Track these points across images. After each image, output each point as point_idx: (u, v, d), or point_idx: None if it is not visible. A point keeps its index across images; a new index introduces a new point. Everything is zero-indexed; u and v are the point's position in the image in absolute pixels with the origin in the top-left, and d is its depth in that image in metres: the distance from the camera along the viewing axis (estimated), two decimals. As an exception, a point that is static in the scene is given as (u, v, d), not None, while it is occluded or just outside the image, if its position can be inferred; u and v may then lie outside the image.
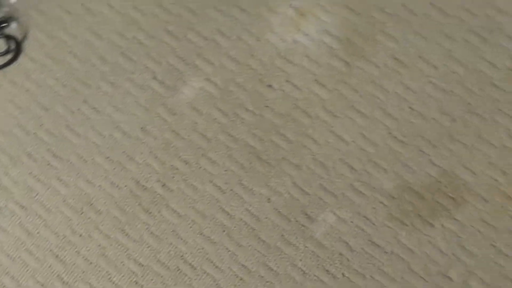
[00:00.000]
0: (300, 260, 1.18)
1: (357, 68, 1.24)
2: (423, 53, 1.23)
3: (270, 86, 1.26)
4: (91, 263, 1.23)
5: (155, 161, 1.26)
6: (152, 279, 1.21)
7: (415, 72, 1.23)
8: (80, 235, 1.25)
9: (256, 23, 1.29)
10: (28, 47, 1.35)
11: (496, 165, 1.18)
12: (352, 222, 1.19)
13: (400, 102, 1.22)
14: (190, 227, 1.22)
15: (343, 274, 1.17)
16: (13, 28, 1.35)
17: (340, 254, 1.17)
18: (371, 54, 1.25)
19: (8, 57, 1.33)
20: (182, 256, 1.21)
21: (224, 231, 1.21)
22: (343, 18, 1.26)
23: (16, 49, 1.34)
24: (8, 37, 1.33)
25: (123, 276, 1.22)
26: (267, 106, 1.25)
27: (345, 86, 1.24)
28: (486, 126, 1.19)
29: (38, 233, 1.26)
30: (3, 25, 1.35)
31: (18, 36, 1.35)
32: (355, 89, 1.23)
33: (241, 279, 1.19)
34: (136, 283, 1.21)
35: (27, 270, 1.24)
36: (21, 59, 1.34)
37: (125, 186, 1.26)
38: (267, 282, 1.18)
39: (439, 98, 1.21)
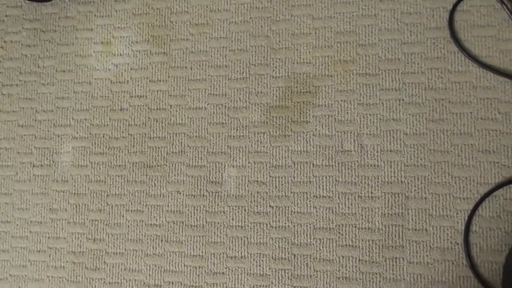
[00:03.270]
0: (233, 219, 0.75)
1: (173, 51, 0.83)
2: (210, 6, 0.84)
3: (121, 109, 0.83)
4: None
5: (76, 227, 0.79)
6: (134, 318, 0.81)
7: (215, 24, 0.80)
8: (58, 326, 0.83)
9: (80, 73, 0.85)
10: None
11: (319, 46, 0.78)
12: (248, 162, 0.77)
13: (220, 51, 0.81)
14: (135, 256, 0.76)
15: (270, 206, 0.75)
16: None
17: (258, 192, 0.75)
18: (175, 34, 0.84)
19: None
20: (144, 283, 0.75)
21: (161, 240, 0.75)
22: (137, 24, 0.86)
23: None
24: None
25: (110, 332, 0.82)
26: (129, 125, 0.80)
27: (174, 70, 0.82)
28: (291, 24, 0.79)
29: None
30: None
31: None
32: (183, 67, 0.82)
33: (199, 267, 0.74)
34: (125, 329, 0.81)
35: None
36: None
37: (66, 262, 0.78)
38: (220, 254, 0.74)
39: (245, 29, 0.80)
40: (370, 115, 0.74)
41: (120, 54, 0.84)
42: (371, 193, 0.72)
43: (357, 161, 0.73)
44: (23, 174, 0.84)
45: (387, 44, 0.76)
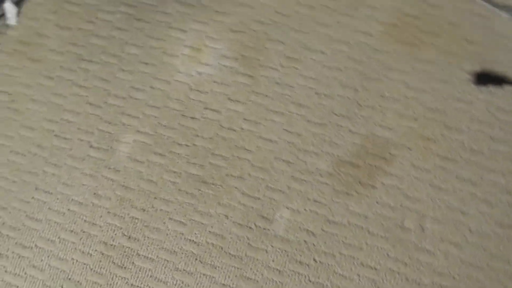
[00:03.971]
0: (273, 260, 0.66)
1: (259, 77, 0.76)
2: (307, 44, 0.75)
3: (193, 117, 0.76)
4: (86, 334, 0.74)
5: (115, 219, 0.72)
6: (146, 328, 0.73)
7: (308, 63, 0.75)
8: (68, 312, 0.75)
9: (162, 70, 0.78)
10: (-27, 159, 0.85)
11: (405, 115, 0.71)
12: (305, 209, 0.70)
13: (305, 91, 0.74)
14: (165, 266, 0.69)
15: (314, 260, 0.67)
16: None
17: (305, 242, 0.66)
18: (267, 61, 0.77)
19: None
20: None
21: (196, 259, 0.69)
22: (231, 40, 0.78)
23: (-38, 165, 0.83)
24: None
25: (119, 335, 0.73)
26: (196, 135, 0.74)
27: (256, 95, 0.75)
28: (384, 86, 0.73)
29: (29, 324, 0.75)
30: None
31: None
32: (265, 95, 0.74)
33: None
34: (133, 337, 0.72)
35: None
36: (-31, 172, 0.84)
37: (95, 250, 0.71)
38: None
39: (336, 76, 0.74)
40: (439, 200, 0.65)
41: (207, 64, 0.76)
42: (420, 279, 0.63)
43: (414, 242, 0.64)
44: (78, 151, 0.75)
45: (475, 134, 0.67)
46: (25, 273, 0.71)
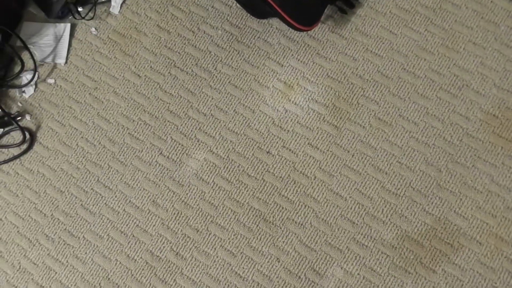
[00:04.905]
0: None
1: (345, 130, 0.97)
2: (402, 111, 0.96)
3: (268, 152, 0.97)
4: (112, 337, 0.92)
5: (167, 232, 0.94)
6: None
7: (398, 129, 0.96)
8: (100, 310, 0.93)
9: (250, 97, 1.00)
10: (42, 136, 1.03)
11: (484, 209, 0.90)
12: (359, 274, 0.89)
13: (388, 157, 0.95)
14: None
15: None
16: (27, 120, 1.05)
17: None
18: (356, 116, 0.98)
19: (24, 147, 1.00)
20: None
21: None
22: (326, 86, 0.99)
23: (31, 139, 1.03)
24: (23, 130, 1.03)
25: None
26: (267, 171, 0.95)
27: (337, 147, 0.96)
28: (469, 173, 0.93)
29: (58, 312, 0.94)
30: (18, 118, 1.06)
31: (33, 127, 1.05)
32: (346, 149, 0.96)
33: None
34: None
35: None
36: (36, 147, 1.01)
37: (140, 258, 0.93)
38: None
39: (422, 151, 0.94)
40: (498, 303, 0.81)
41: (295, 103, 0.95)
42: None
43: (463, 338, 0.80)
44: (147, 155, 0.96)
45: (550, 247, 0.83)
46: (67, 261, 0.91)
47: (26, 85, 1.04)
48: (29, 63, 1.06)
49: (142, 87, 1.03)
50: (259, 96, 1.00)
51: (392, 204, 0.91)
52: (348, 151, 0.95)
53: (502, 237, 0.87)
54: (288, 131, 0.97)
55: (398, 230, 0.90)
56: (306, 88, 0.99)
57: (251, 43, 1.02)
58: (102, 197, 0.97)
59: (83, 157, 1.00)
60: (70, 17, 1.07)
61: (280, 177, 0.95)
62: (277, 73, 1.00)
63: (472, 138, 0.93)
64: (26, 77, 1.05)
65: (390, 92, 0.97)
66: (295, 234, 0.91)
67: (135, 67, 1.04)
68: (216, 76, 1.01)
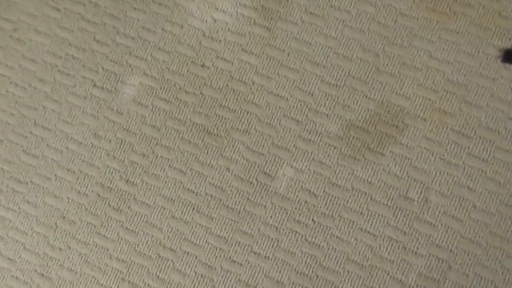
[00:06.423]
0: (271, 217, 0.84)
1: (277, 29, 0.92)
2: (332, 2, 0.90)
3: (203, 65, 0.92)
4: (76, 272, 0.86)
5: (114, 162, 0.89)
6: (137, 272, 0.85)
7: (331, 21, 0.91)
8: (60, 249, 0.88)
9: (176, 13, 0.93)
10: (-30, 87, 0.99)
11: (425, 86, 0.87)
12: (309, 169, 0.86)
13: (324, 50, 0.90)
14: (161, 213, 0.87)
15: (313, 220, 0.85)
16: (-48, 74, 0.99)
17: (306, 202, 0.85)
18: (287, 14, 0.92)
19: (-47, 101, 0.98)
20: (160, 242, 0.85)
21: (193, 208, 0.87)
22: (253, -11, 0.94)
23: (-41, 92, 0.98)
24: (-51, 83, 0.97)
25: (109, 276, 0.86)
26: (205, 84, 0.90)
27: (271, 48, 0.91)
28: (407, 53, 0.88)
29: (19, 258, 0.87)
30: None
31: None
32: (281, 49, 0.90)
33: (220, 249, 0.84)
34: (123, 279, 0.86)
35: (17, 295, 0.90)
36: (-34, 99, 0.99)
37: (92, 191, 0.89)
38: (245, 246, 0.83)
39: (358, 38, 0.89)
40: (447, 174, 0.80)
41: (223, 11, 0.89)
42: (417, 248, 0.79)
43: (416, 213, 0.79)
44: (81, 89, 0.91)
45: (494, 112, 0.81)
46: (19, 208, 0.87)
47: None
48: None
49: (64, 20, 0.96)
50: (185, 10, 0.93)
51: (333, 96, 0.88)
52: (283, 51, 0.90)
53: (445, 110, 0.85)
54: (220, 40, 0.92)
55: (342, 120, 0.87)
56: (232, -7, 0.93)
57: (169, -44, 0.95)
58: (42, 139, 0.92)
59: (16, 102, 0.94)
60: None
61: (219, 88, 0.90)
62: (200, -18, 0.94)
63: (406, 17, 0.88)
64: None
65: (318, -16, 0.91)
66: (241, 141, 0.88)
67: (53, 1, 0.97)
68: (139, -3, 0.95)
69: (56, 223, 0.88)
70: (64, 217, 0.88)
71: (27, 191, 0.90)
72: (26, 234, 0.88)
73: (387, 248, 0.81)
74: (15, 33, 0.95)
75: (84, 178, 0.89)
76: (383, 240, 0.81)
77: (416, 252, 0.80)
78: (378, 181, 0.83)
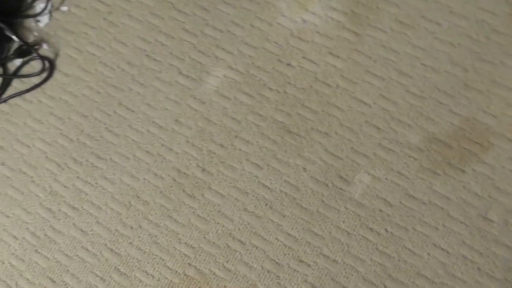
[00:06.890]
0: (343, 222, 0.83)
1: (366, 36, 0.90)
2: (424, 12, 0.88)
3: (289, 64, 0.92)
4: (144, 252, 0.88)
5: (192, 149, 0.91)
6: (204, 259, 0.86)
7: (420, 31, 0.89)
8: (131, 227, 0.89)
9: (266, 10, 0.93)
10: (61, 64, 0.98)
11: None
12: (386, 179, 0.85)
13: (411, 60, 0.88)
14: (234, 205, 0.87)
15: (386, 230, 0.83)
16: (45, 49, 0.99)
17: (380, 210, 0.83)
18: (377, 21, 0.91)
19: (44, 75, 0.96)
20: (230, 233, 0.85)
21: (266, 204, 0.87)
22: (345, -6, 0.94)
23: (50, 67, 0.99)
24: (42, 58, 0.99)
25: (176, 260, 0.87)
26: (289, 83, 0.90)
27: (358, 54, 0.89)
28: (497, 71, 0.86)
29: (91, 231, 0.89)
30: (36, 47, 1.02)
31: (51, 55, 1.00)
32: (367, 55, 0.89)
33: (289, 247, 0.83)
34: (190, 265, 0.87)
35: (85, 266, 0.87)
36: (56, 75, 0.97)
37: (168, 175, 0.90)
38: (314, 247, 0.83)
39: (447, 51, 0.86)
40: (530, 198, 0.78)
41: (313, 13, 0.90)
42: (492, 272, 0.76)
43: (495, 235, 0.77)
44: (166, 75, 0.92)
45: None
46: (96, 183, 0.90)
47: (40, 13, 1.00)
48: (41, -7, 1.02)
49: (156, 8, 0.98)
50: (275, 8, 0.94)
51: (417, 107, 0.86)
52: (370, 57, 0.89)
53: (533, 133, 0.83)
54: (308, 41, 0.92)
55: (424, 133, 0.85)
56: (324, -4, 0.93)
57: (264, -46, 0.96)
58: (125, 119, 0.94)
59: (103, 82, 0.96)
60: None
61: (302, 88, 0.90)
62: (293, -17, 0.95)
63: (500, 34, 0.85)
64: (39, 6, 1.02)
65: (412, -6, 0.90)
66: (320, 143, 0.87)
67: (148, -12, 0.99)
68: (231, -8, 0.96)
69: (130, 202, 0.90)
70: (138, 197, 0.90)
71: (105, 168, 0.92)
72: (100, 209, 0.90)
73: (460, 267, 0.79)
74: (109, 16, 0.98)
75: (162, 162, 0.91)
76: (456, 258, 0.79)
77: (491, 276, 0.77)
78: (457, 198, 0.81)
